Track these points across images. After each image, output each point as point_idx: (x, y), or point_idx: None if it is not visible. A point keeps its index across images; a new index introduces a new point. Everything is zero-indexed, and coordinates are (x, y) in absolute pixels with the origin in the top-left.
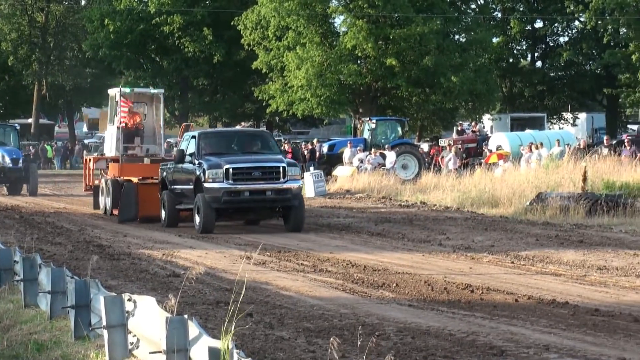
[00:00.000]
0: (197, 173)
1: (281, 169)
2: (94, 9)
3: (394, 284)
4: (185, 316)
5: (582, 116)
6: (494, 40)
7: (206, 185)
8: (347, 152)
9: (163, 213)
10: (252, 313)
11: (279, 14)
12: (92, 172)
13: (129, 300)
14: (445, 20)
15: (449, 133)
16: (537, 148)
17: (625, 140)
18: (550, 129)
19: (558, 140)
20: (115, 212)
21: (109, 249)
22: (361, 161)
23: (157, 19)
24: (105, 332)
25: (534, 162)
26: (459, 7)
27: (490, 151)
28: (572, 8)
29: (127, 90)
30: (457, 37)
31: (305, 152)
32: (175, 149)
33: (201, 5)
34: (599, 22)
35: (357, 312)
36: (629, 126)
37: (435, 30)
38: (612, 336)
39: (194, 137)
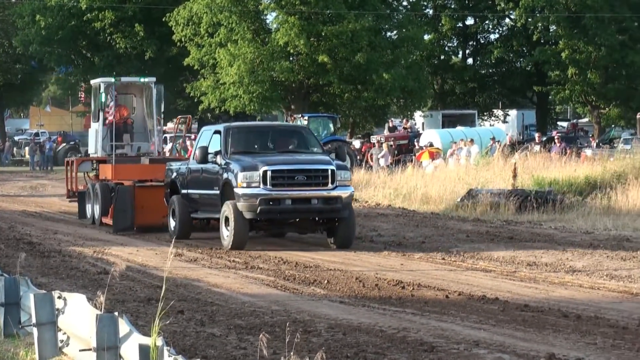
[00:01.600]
0: (226, 176)
1: (330, 173)
2: (24, 5)
3: (326, 281)
4: (116, 313)
5: (513, 113)
6: (426, 37)
7: (238, 190)
8: None
9: (172, 222)
10: (183, 310)
11: (211, 11)
12: (75, 175)
13: (59, 297)
14: (377, 17)
15: (380, 130)
16: (465, 145)
17: (555, 137)
18: (481, 125)
19: (472, 140)
20: (106, 220)
21: (39, 247)
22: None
23: (89, 15)
24: (35, 330)
25: (463, 158)
26: (391, 4)
27: (422, 148)
28: (502, 5)
29: (112, 80)
30: (388, 34)
31: None
32: (171, 144)
33: (133, 1)
34: (529, 19)
35: (289, 309)
36: (558, 123)
37: (367, 27)
38: (541, 331)
39: (217, 132)
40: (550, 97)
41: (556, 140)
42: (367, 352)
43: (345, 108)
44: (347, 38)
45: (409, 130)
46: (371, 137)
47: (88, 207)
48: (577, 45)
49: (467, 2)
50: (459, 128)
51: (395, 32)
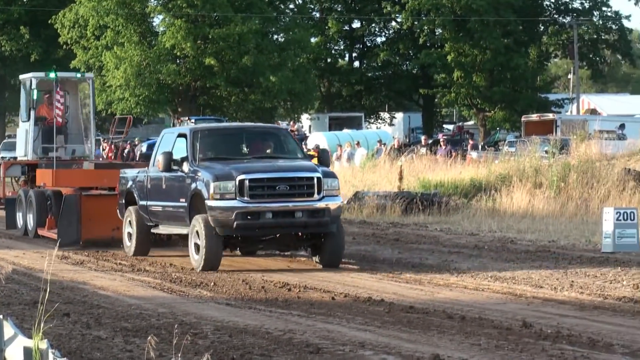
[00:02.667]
0: (195, 186)
1: (315, 181)
2: None
3: (212, 283)
4: (1, 316)
5: (399, 116)
6: (312, 40)
7: (210, 203)
8: None
9: (127, 237)
10: (69, 313)
11: (97, 13)
12: (3, 180)
13: None
14: (264, 20)
15: None
16: (350, 147)
17: (441, 140)
18: (367, 128)
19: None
20: (43, 232)
21: None
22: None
23: None
24: None
25: (344, 160)
26: (278, 7)
27: (309, 150)
28: (389, 9)
29: (43, 75)
30: (275, 37)
31: (125, 152)
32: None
33: (18, 3)
34: (415, 22)
35: (175, 311)
36: (444, 126)
37: (254, 30)
38: (426, 333)
39: (182, 135)
40: (436, 100)
41: (442, 143)
42: (253, 354)
43: (232, 110)
44: (234, 41)
45: (296, 132)
46: None
47: (19, 217)
48: (462, 49)
49: (353, 5)
50: (346, 130)
51: (282, 35)
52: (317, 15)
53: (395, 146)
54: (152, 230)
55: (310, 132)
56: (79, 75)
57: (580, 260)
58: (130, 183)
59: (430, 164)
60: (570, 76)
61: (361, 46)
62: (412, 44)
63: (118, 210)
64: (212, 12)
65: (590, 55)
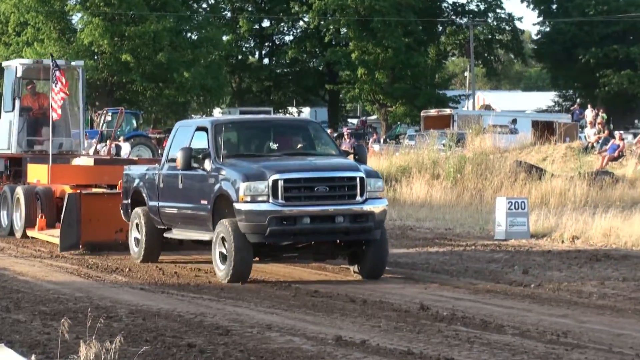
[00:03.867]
0: (220, 187)
1: (358, 181)
2: None
3: (127, 269)
4: None
5: (306, 110)
6: (224, 38)
7: (240, 206)
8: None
9: (134, 241)
10: None
11: (18, 10)
12: None
13: None
14: (178, 18)
15: None
16: None
17: (345, 133)
18: None
19: None
20: (33, 233)
21: None
22: (97, 152)
23: None
24: None
25: None
26: (191, 6)
27: None
28: (297, 9)
29: (30, 62)
30: (189, 34)
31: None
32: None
33: None
34: (322, 22)
35: (92, 296)
36: (349, 120)
37: (169, 28)
38: (329, 315)
39: (201, 129)
40: (341, 95)
41: (346, 136)
42: (166, 336)
43: (147, 105)
44: (149, 38)
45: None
46: None
47: (3, 215)
48: (366, 47)
49: (263, 5)
50: None
51: (195, 33)
52: (229, 14)
53: None
54: (165, 235)
55: None
56: (64, 62)
57: (475, 247)
58: (137, 181)
59: None
60: (466, 74)
61: (270, 44)
62: (319, 42)
63: (122, 211)
64: (128, 10)
65: (485, 55)
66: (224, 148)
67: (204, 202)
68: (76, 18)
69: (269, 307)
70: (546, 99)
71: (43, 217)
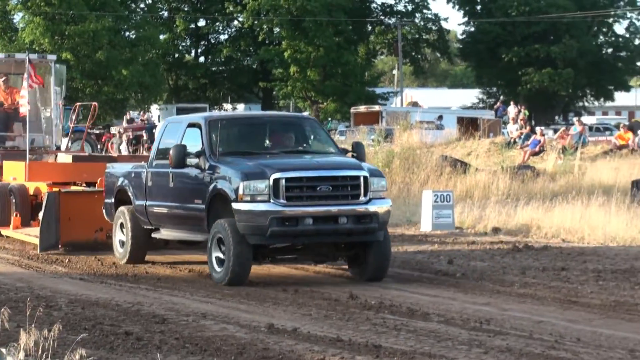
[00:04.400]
0: (216, 185)
1: (362, 181)
2: None
3: (67, 260)
4: None
5: (241, 107)
6: (161, 37)
7: (239, 206)
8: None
9: (118, 242)
10: None
11: None
12: None
13: None
14: (116, 18)
15: (119, 121)
16: None
17: None
18: None
19: None
20: (8, 232)
21: None
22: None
23: None
24: None
25: None
26: (129, 6)
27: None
28: (231, 9)
29: (2, 55)
30: (127, 33)
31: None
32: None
33: None
34: (256, 22)
35: (32, 286)
36: None
37: (108, 27)
38: (262, 304)
39: (193, 125)
40: (274, 92)
41: None
42: (104, 324)
43: (87, 101)
44: (88, 37)
45: (146, 122)
46: (111, 128)
47: None
48: (298, 46)
49: (199, 5)
50: None
51: (133, 32)
52: (166, 14)
53: None
54: (153, 235)
55: (159, 121)
56: (41, 57)
57: (402, 238)
58: (122, 180)
59: None
60: (394, 72)
61: (206, 43)
62: (253, 41)
63: (104, 211)
64: (68, 10)
65: (413, 53)
66: (219, 145)
67: (198, 201)
68: (17, 17)
69: (204, 297)
70: (471, 96)
71: (18, 215)
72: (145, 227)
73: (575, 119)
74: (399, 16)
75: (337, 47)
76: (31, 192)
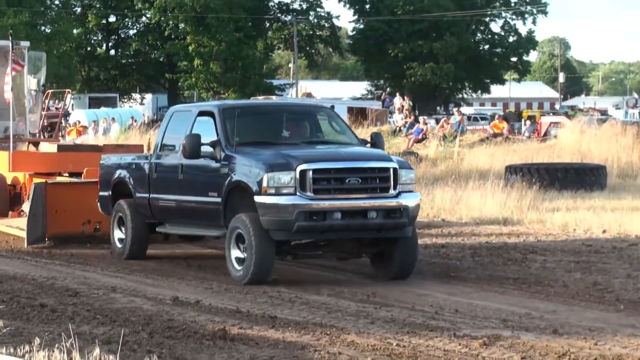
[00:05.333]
0: (234, 177)
1: (391, 172)
2: None
3: None
4: None
5: (149, 97)
6: (75, 31)
7: (262, 199)
8: None
9: (118, 236)
10: None
11: None
12: None
13: None
14: (33, 13)
15: None
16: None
17: None
18: (122, 107)
19: (113, 118)
20: None
21: None
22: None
23: None
24: None
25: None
26: (45, 1)
27: (71, 125)
28: (140, 5)
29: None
30: (43, 28)
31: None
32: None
33: None
34: (162, 18)
35: None
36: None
37: (25, 22)
38: (168, 279)
39: (205, 113)
40: (179, 83)
41: None
42: (21, 297)
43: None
44: (6, 31)
45: (61, 109)
46: None
47: None
48: (201, 41)
49: (110, 2)
50: (103, 109)
51: (49, 26)
52: (79, 10)
53: (145, 122)
54: (158, 230)
55: (72, 109)
56: (14, 44)
57: None
58: (120, 171)
59: None
60: (290, 65)
61: (116, 37)
62: (159, 36)
63: (99, 204)
64: None
65: (307, 48)
66: (237, 135)
67: (213, 194)
68: None
69: (114, 272)
70: (360, 88)
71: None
72: (147, 221)
73: (455, 110)
74: (295, 14)
75: (237, 42)
76: (9, 181)
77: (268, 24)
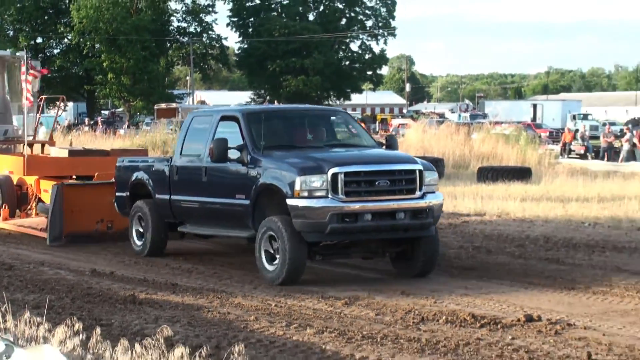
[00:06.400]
0: (263, 180)
1: (417, 174)
2: None
3: None
4: None
5: (70, 104)
6: (8, 50)
7: (295, 202)
8: None
9: (136, 235)
10: None
11: None
12: None
13: None
14: None
15: None
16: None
17: (99, 121)
18: (48, 113)
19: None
20: None
21: None
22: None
23: None
24: None
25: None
26: None
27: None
28: (62, 29)
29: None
30: None
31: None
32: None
33: None
34: (81, 39)
35: None
36: (102, 111)
37: None
38: (87, 255)
39: (227, 118)
40: (96, 93)
41: (99, 123)
42: None
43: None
44: None
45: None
46: None
47: None
48: (114, 58)
49: (37, 26)
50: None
51: None
52: (12, 33)
53: (66, 125)
54: (180, 229)
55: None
56: (10, 52)
57: None
58: (138, 173)
59: (92, 138)
60: (188, 78)
61: (43, 55)
62: (79, 54)
63: (116, 204)
64: None
65: (201, 64)
66: (264, 139)
67: (241, 196)
68: None
69: (42, 249)
70: (245, 96)
71: (6, 207)
72: (167, 220)
73: None
74: (191, 36)
75: (143, 59)
76: (15, 182)
77: (169, 44)
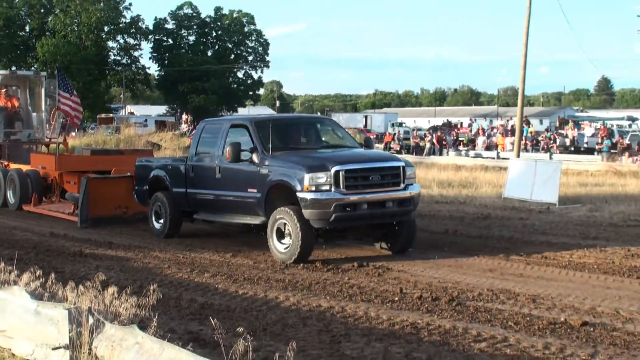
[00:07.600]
0: (275, 177)
1: (401, 170)
2: None
3: None
4: None
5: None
6: None
7: (305, 195)
8: None
9: (155, 219)
10: None
11: None
12: None
13: None
14: None
15: None
16: None
17: None
18: None
19: None
20: (29, 207)
21: None
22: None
23: None
24: None
25: None
26: None
27: None
28: (30, 60)
29: (7, 71)
30: None
31: None
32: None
33: None
34: (44, 67)
35: None
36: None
37: None
38: (48, 221)
39: (238, 126)
40: None
41: None
42: None
43: None
44: None
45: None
46: None
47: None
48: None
49: (12, 57)
50: None
51: None
52: None
53: None
54: (195, 216)
55: None
56: (29, 73)
57: None
58: (157, 171)
59: None
60: (121, 96)
61: None
62: None
63: (136, 195)
64: None
65: (131, 86)
66: (271, 142)
67: (252, 190)
68: None
69: (15, 217)
70: (162, 109)
71: (35, 195)
72: (182, 209)
73: None
74: (124, 66)
75: (89, 82)
76: (41, 175)
77: (107, 72)
